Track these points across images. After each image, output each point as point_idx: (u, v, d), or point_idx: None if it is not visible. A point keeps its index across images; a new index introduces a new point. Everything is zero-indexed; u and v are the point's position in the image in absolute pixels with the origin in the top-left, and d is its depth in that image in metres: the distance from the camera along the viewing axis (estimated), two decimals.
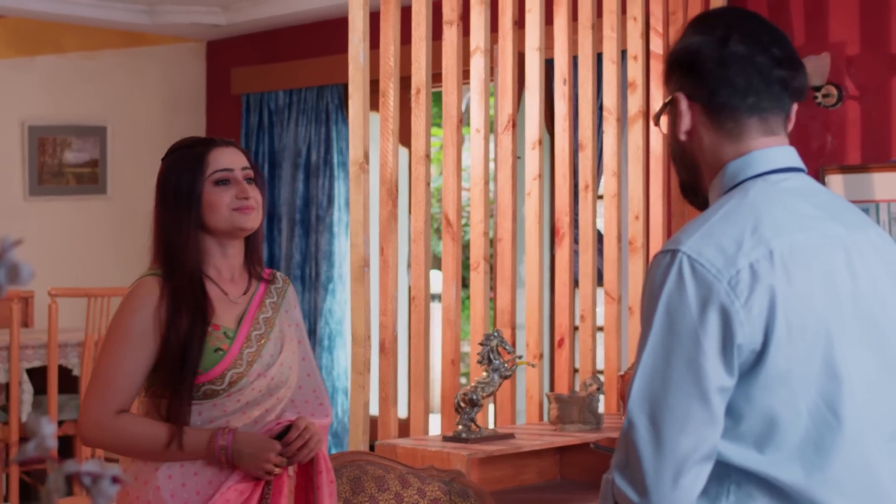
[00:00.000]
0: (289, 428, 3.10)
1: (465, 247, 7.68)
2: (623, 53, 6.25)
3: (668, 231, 6.34)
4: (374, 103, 5.35)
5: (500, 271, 5.38)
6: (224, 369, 3.05)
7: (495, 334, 4.80)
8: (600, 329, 6.34)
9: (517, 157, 5.48)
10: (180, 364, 3.02)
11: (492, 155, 5.47)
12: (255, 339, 3.13)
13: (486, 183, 5.27)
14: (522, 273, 6.83)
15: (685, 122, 2.19)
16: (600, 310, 6.40)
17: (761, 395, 2.01)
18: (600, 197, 6.50)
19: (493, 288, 5.60)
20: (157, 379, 3.08)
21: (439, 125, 5.64)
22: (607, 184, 5.87)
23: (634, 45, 6.04)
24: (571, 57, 5.71)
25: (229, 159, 3.18)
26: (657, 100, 6.17)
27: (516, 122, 5.43)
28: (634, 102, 6.03)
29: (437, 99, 7.17)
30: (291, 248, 9.25)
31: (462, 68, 5.20)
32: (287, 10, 8.91)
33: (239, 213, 3.13)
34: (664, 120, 2.30)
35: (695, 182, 2.25)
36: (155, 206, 3.19)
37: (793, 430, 2.01)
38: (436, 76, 5.36)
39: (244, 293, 3.21)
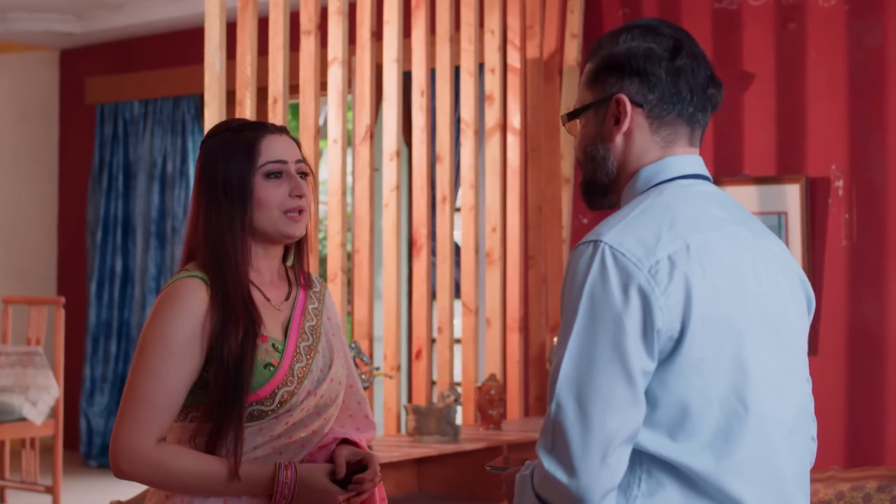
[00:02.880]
0: (362, 467, 2.76)
1: (323, 259, 7.66)
2: (481, 66, 6.28)
3: (525, 243, 6.39)
4: (231, 114, 5.30)
5: (357, 283, 5.36)
6: (275, 387, 2.68)
7: (353, 346, 4.78)
8: (458, 341, 6.36)
9: (375, 169, 5.46)
10: (233, 382, 2.62)
11: (349, 167, 5.45)
12: (303, 351, 2.77)
13: (344, 195, 5.25)
14: (380, 285, 6.82)
15: (626, 124, 2.27)
16: (458, 322, 6.43)
17: (675, 382, 2.10)
18: (458, 209, 6.52)
19: (350, 300, 5.57)
20: (199, 400, 2.69)
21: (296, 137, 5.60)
22: (465, 196, 5.89)
23: (492, 58, 6.07)
24: (429, 69, 5.72)
25: (283, 149, 2.78)
26: (514, 112, 6.21)
27: (374, 134, 5.42)
28: (492, 115, 6.06)
29: (294, 110, 7.13)
30: (147, 260, 9.13)
31: (319, 79, 5.18)
32: (143, 19, 8.81)
33: (287, 219, 2.74)
34: (573, 121, 2.37)
35: (611, 184, 2.33)
36: (196, 196, 2.77)
37: (704, 420, 2.11)
38: (293, 88, 5.34)
39: (286, 299, 2.84)
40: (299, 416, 2.73)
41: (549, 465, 2.08)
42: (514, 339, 6.18)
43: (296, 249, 2.89)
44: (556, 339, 2.21)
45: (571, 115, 2.36)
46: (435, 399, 6.44)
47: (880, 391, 5.84)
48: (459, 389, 5.74)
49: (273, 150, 2.76)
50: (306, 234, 2.86)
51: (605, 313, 2.07)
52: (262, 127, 2.80)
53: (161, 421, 2.63)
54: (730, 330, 2.12)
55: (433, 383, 6.44)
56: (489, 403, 5.53)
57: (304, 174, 2.80)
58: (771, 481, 2.16)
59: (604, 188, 2.33)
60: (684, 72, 2.27)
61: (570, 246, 6.56)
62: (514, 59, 6.25)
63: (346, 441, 2.86)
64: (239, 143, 2.76)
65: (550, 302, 6.39)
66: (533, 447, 5.44)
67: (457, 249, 6.35)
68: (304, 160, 2.82)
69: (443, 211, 5.78)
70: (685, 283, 2.09)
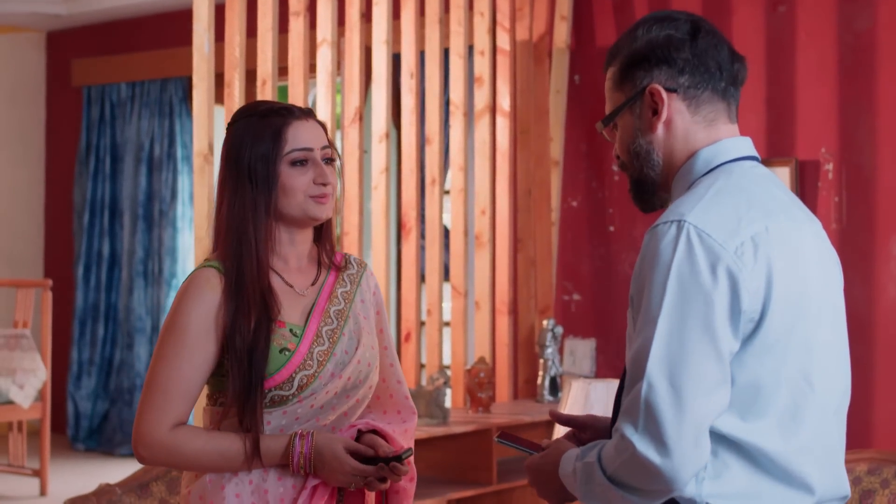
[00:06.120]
0: (398, 457, 2.75)
1: None
2: (470, 48, 6.26)
3: (514, 226, 6.38)
4: (220, 96, 5.28)
5: None
6: (292, 372, 2.71)
7: None
8: (447, 324, 6.35)
9: (364, 151, 5.45)
10: (248, 370, 2.67)
11: (338, 149, 5.43)
12: (326, 335, 2.78)
13: None
14: (369, 267, 6.81)
15: (665, 112, 2.30)
16: (447, 304, 6.41)
17: (752, 362, 2.13)
18: (447, 191, 6.51)
19: None
20: (221, 385, 2.75)
21: None
22: (454, 178, 5.88)
23: (481, 41, 6.06)
24: (419, 51, 5.71)
25: (309, 136, 2.76)
26: (504, 95, 6.20)
27: (363, 116, 5.40)
28: (481, 97, 6.05)
29: (283, 92, 7.11)
30: (134, 243, 9.11)
31: (308, 61, 5.16)
32: (130, 0, 8.76)
33: (314, 202, 2.75)
34: (608, 125, 2.37)
35: (659, 178, 2.33)
36: (221, 182, 2.78)
37: (774, 400, 2.14)
38: (282, 69, 5.31)
39: (312, 284, 2.85)
40: (324, 398, 2.74)
41: (641, 444, 2.07)
42: (504, 322, 6.18)
43: (321, 233, 2.89)
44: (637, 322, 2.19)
45: (607, 120, 2.36)
46: (424, 382, 6.44)
47: (869, 374, 5.85)
48: (448, 372, 5.74)
49: (299, 137, 2.75)
50: (332, 216, 2.86)
51: (695, 293, 2.09)
52: (288, 112, 2.78)
53: (177, 407, 2.70)
54: (799, 311, 2.17)
55: (422, 366, 6.44)
56: (478, 386, 5.53)
57: (329, 160, 2.80)
58: (828, 460, 2.21)
59: (653, 184, 2.34)
60: (708, 50, 2.30)
61: (559, 229, 6.56)
62: (503, 41, 6.24)
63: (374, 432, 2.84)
64: (265, 128, 2.75)
65: (539, 285, 6.39)
66: (522, 430, 5.44)
67: (446, 232, 6.34)
68: (330, 145, 2.81)
69: (432, 193, 5.77)
70: (767, 264, 2.13)
